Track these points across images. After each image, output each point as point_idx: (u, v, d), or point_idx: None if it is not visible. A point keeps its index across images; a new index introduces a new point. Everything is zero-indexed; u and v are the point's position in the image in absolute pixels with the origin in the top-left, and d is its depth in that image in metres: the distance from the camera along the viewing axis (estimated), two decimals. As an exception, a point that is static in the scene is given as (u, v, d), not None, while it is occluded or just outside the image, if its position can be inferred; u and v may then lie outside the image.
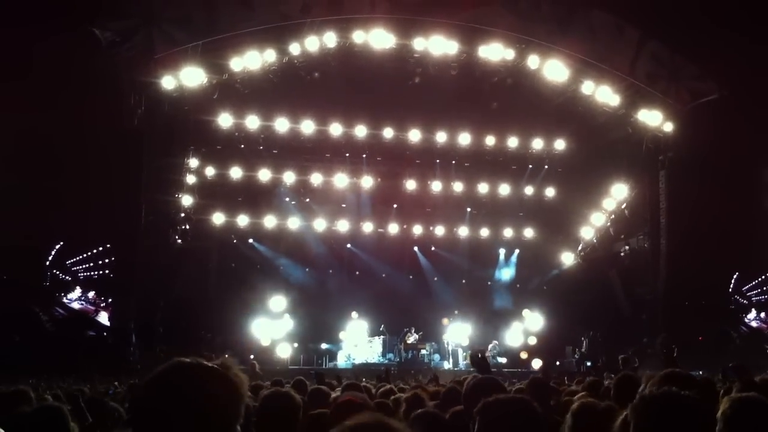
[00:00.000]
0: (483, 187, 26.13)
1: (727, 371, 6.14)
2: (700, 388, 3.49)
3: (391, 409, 4.92)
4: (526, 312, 26.18)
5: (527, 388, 5.22)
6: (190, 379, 1.96)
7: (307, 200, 25.50)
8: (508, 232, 27.15)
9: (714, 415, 2.98)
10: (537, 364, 23.16)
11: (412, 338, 23.76)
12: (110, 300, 25.29)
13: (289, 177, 24.64)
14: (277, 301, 24.43)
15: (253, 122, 23.30)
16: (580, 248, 27.27)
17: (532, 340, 25.63)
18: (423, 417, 3.91)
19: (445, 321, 24.28)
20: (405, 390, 6.93)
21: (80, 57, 18.69)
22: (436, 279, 27.13)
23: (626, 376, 4.78)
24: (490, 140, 25.01)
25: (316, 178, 24.85)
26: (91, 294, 20.84)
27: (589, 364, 22.24)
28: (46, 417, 3.90)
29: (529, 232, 27.26)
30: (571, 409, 3.63)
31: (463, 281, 27.53)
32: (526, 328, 25.80)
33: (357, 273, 26.59)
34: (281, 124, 23.50)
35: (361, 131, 24.20)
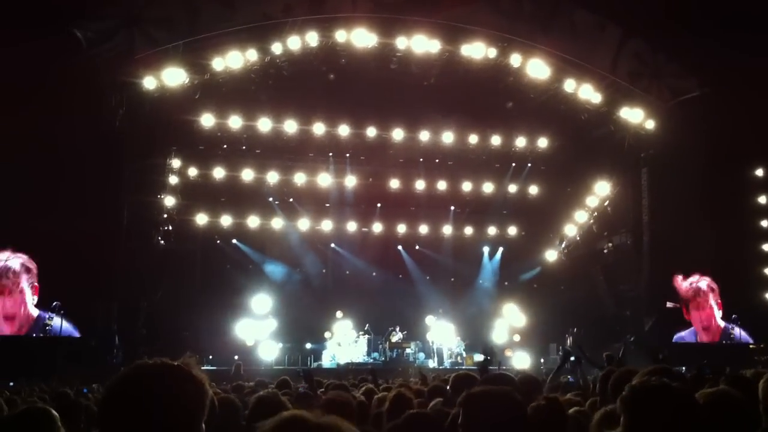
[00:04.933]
0: (467, 186, 26.20)
1: (703, 368, 6.18)
2: (687, 383, 3.50)
3: (373, 408, 4.90)
4: (507, 308, 26.28)
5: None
6: (152, 379, 1.97)
7: (291, 200, 25.46)
8: (491, 230, 27.29)
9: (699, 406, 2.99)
10: (521, 361, 23.24)
11: (396, 337, 23.77)
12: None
13: (272, 177, 24.59)
14: (261, 302, 24.38)
15: (235, 122, 23.22)
16: (563, 246, 27.40)
17: (517, 338, 25.74)
18: (416, 418, 3.85)
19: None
20: (390, 389, 6.90)
21: (60, 58, 18.46)
22: (420, 278, 27.13)
23: (612, 371, 4.79)
24: (473, 139, 25.06)
25: (299, 178, 24.82)
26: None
27: (572, 359, 22.28)
28: (33, 419, 3.82)
29: (512, 230, 27.40)
30: None
31: (451, 279, 27.56)
32: (510, 325, 25.94)
33: (341, 272, 26.56)
34: (264, 124, 23.41)
35: (344, 131, 24.18)
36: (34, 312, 19.87)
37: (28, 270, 19.97)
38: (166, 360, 2.04)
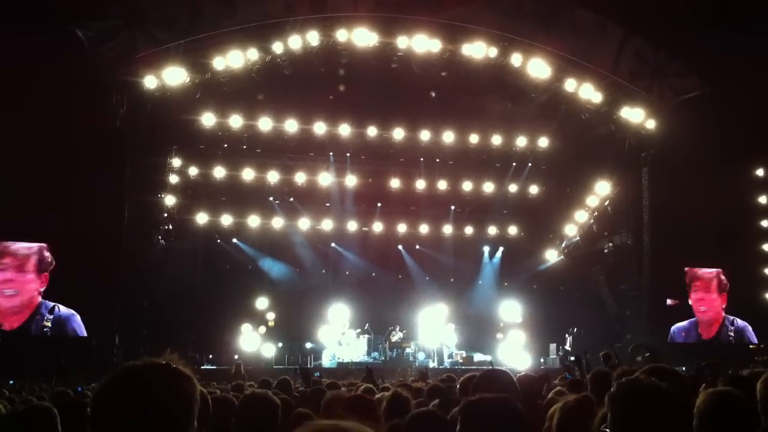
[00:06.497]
0: (467, 185, 26.18)
1: (702, 369, 6.20)
2: (682, 382, 3.50)
3: (372, 408, 4.90)
4: (504, 305, 26.28)
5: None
6: (141, 380, 1.98)
7: (291, 199, 25.45)
8: (492, 230, 27.26)
9: (688, 405, 2.99)
10: (522, 361, 23.22)
11: (396, 336, 23.78)
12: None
13: (272, 176, 24.59)
14: (262, 301, 24.39)
15: (236, 121, 23.25)
16: (564, 245, 27.38)
17: (519, 338, 25.71)
18: (422, 417, 3.83)
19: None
20: (388, 389, 6.90)
21: (61, 57, 18.46)
22: (420, 277, 27.11)
23: (601, 371, 4.81)
24: (473, 138, 25.06)
25: (299, 177, 24.81)
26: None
27: (572, 358, 22.28)
28: (35, 417, 3.82)
29: (513, 230, 27.37)
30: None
31: (451, 279, 27.55)
32: (506, 322, 25.96)
33: (341, 272, 26.56)
34: (264, 124, 23.44)
35: (344, 130, 24.20)
36: (38, 299, 20.01)
37: (42, 258, 20.16)
38: (153, 359, 2.04)
